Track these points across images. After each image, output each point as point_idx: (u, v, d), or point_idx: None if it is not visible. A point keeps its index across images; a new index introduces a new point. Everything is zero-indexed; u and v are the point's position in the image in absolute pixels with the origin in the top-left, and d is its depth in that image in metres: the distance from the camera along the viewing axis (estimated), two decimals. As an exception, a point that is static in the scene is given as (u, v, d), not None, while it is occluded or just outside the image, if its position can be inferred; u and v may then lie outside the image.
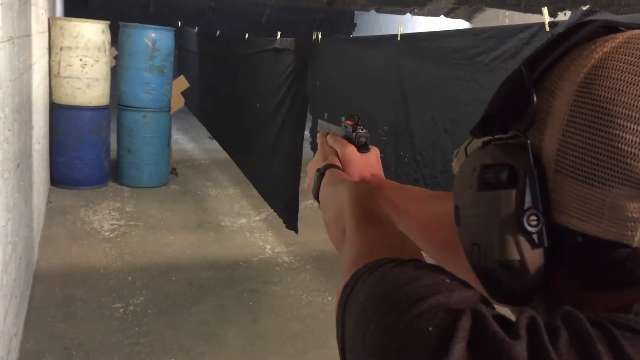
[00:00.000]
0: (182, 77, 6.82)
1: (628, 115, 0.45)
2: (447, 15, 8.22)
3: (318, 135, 1.14)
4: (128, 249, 4.61)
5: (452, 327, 0.42)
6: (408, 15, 8.13)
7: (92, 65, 5.77)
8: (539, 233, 0.48)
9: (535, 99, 0.50)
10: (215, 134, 7.47)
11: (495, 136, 0.53)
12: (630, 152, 0.44)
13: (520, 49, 2.28)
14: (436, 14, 7.87)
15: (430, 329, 0.43)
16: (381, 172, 1.05)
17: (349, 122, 1.06)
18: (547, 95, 0.50)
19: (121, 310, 3.66)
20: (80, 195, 5.76)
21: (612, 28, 0.51)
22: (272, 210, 5.30)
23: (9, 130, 2.77)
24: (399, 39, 3.03)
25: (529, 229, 0.48)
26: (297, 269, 4.53)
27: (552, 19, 2.06)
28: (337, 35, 10.06)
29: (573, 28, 0.52)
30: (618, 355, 0.41)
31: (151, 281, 4.09)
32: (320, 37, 4.07)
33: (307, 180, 1.07)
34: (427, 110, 2.81)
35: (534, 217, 0.48)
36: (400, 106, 2.97)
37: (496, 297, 0.53)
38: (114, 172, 6.29)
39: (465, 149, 0.58)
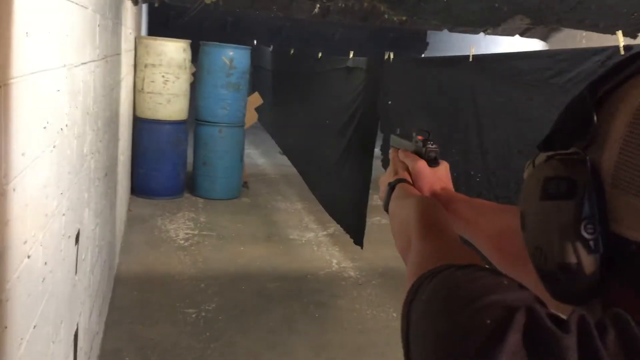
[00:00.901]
0: (256, 94, 7.05)
1: None
2: (522, 34, 8.10)
3: (390, 150, 1.20)
4: (201, 257, 4.80)
5: (508, 320, 0.47)
6: (482, 34, 8.07)
7: (174, 82, 6.07)
8: (595, 240, 0.53)
9: (595, 119, 0.55)
10: (286, 150, 7.65)
11: (558, 151, 0.58)
12: None
13: (594, 72, 2.27)
14: (511, 33, 7.77)
15: (488, 321, 0.48)
16: (451, 186, 1.09)
17: (420, 137, 1.10)
18: (607, 117, 0.55)
19: (194, 315, 3.83)
20: (158, 204, 6.04)
21: None
22: (338, 226, 5.39)
23: (101, 141, 2.99)
24: (470, 59, 3.06)
25: (586, 236, 0.53)
26: (363, 284, 4.58)
27: (627, 44, 2.05)
28: (409, 54, 10.09)
29: (635, 55, 0.57)
30: None
31: (222, 289, 4.25)
32: (392, 56, 4.14)
33: (379, 193, 1.13)
34: (500, 131, 2.82)
35: (590, 226, 0.53)
36: (473, 126, 2.99)
37: (556, 296, 0.58)
38: (190, 184, 6.57)
39: (533, 162, 0.63)
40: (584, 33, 5.84)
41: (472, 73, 3.07)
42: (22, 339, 1.35)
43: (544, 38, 8.58)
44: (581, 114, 0.57)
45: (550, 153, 0.59)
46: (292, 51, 7.07)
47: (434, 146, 1.08)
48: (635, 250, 0.51)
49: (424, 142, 1.08)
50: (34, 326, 1.48)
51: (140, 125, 6.08)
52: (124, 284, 4.15)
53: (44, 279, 1.57)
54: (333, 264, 4.94)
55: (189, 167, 6.58)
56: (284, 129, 7.60)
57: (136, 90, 6.04)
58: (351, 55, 4.89)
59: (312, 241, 5.50)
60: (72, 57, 1.91)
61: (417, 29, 11.42)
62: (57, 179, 1.70)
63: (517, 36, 8.25)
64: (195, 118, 6.52)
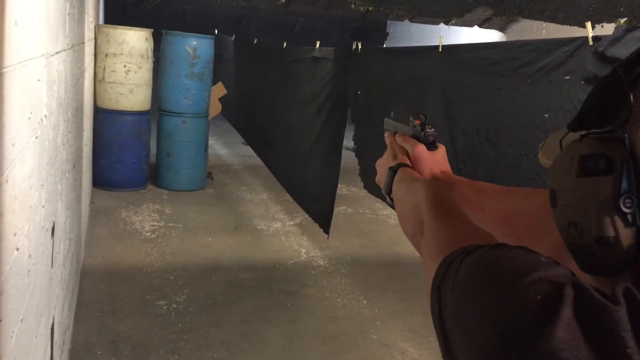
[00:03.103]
0: (220, 84, 6.99)
1: None
2: (481, 25, 8.24)
3: (386, 134, 1.19)
4: (169, 249, 4.76)
5: (558, 295, 0.49)
6: (442, 25, 8.16)
7: (136, 72, 5.97)
8: (633, 214, 0.55)
9: (632, 98, 0.57)
10: (250, 140, 7.62)
11: (593, 130, 0.60)
12: None
13: (562, 62, 2.36)
14: (470, 24, 7.91)
15: (538, 297, 0.50)
16: (449, 169, 1.10)
17: (417, 122, 1.10)
18: None
19: (165, 307, 3.80)
20: (121, 196, 5.95)
21: None
22: (305, 216, 5.41)
23: (70, 132, 2.93)
24: (440, 50, 3.12)
25: (624, 209, 0.55)
26: (332, 273, 4.63)
27: (595, 34, 2.13)
28: (369, 44, 10.15)
29: None
30: None
31: (192, 280, 4.23)
32: (360, 46, 4.18)
33: (377, 177, 1.14)
34: (469, 120, 2.89)
35: (629, 200, 0.55)
36: (443, 116, 3.06)
37: (588, 269, 0.60)
38: (153, 175, 6.48)
39: (560, 141, 0.65)
40: (544, 24, 6.00)
41: (441, 63, 3.13)
42: (12, 332, 1.33)
43: (502, 29, 8.77)
44: (615, 94, 0.58)
45: (584, 132, 0.61)
46: (255, 41, 7.03)
47: (431, 130, 1.08)
48: None
49: (422, 125, 1.09)
50: (21, 319, 1.46)
51: (102, 115, 5.96)
52: (91, 278, 4.08)
53: (29, 271, 1.55)
54: (302, 254, 4.97)
55: (152, 158, 6.48)
56: (248, 119, 7.57)
57: (97, 80, 5.91)
58: (317, 45, 4.90)
59: (279, 231, 5.51)
60: (49, 46, 1.87)
61: (377, 20, 11.51)
62: (38, 170, 1.67)
63: (476, 27, 8.41)
64: (159, 108, 6.43)
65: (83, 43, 3.98)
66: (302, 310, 3.97)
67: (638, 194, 0.55)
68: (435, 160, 1.08)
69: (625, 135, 0.57)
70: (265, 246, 5.09)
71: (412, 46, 4.42)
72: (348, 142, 4.43)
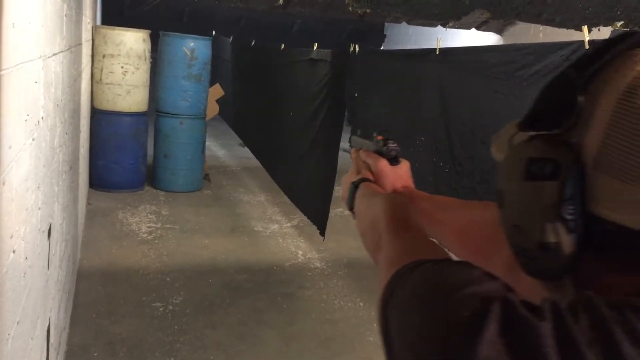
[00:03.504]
0: (217, 85, 6.99)
1: None
2: (478, 28, 8.26)
3: (352, 150, 1.22)
4: (165, 251, 4.76)
5: (486, 311, 0.49)
6: (439, 27, 8.18)
7: (133, 73, 5.96)
8: (575, 221, 0.54)
9: (580, 101, 0.55)
10: (247, 142, 7.62)
11: (541, 132, 0.59)
12: None
13: (559, 65, 2.36)
14: (467, 27, 7.92)
15: (467, 313, 0.49)
16: (411, 184, 1.11)
17: (380, 137, 1.12)
18: (591, 99, 0.55)
19: (161, 309, 3.80)
20: (118, 198, 5.94)
21: None
22: (302, 217, 5.41)
23: (67, 133, 2.93)
24: (437, 52, 3.13)
25: (567, 217, 0.54)
26: (329, 275, 4.63)
27: (592, 39, 2.14)
28: (368, 46, 10.16)
29: (619, 38, 0.57)
30: (631, 335, 0.46)
31: (189, 282, 4.22)
32: (357, 48, 4.18)
33: (341, 192, 1.15)
34: (465, 123, 2.90)
35: (571, 207, 0.54)
36: (440, 118, 3.06)
37: (530, 272, 0.60)
38: (150, 177, 6.47)
39: (509, 140, 0.63)
40: (541, 27, 6.02)
41: (439, 66, 3.14)
42: (8, 334, 1.33)
43: (499, 32, 8.78)
44: (565, 95, 0.57)
45: (533, 133, 0.60)
46: (253, 42, 7.03)
47: (394, 145, 1.10)
48: (612, 230, 0.53)
49: (385, 141, 1.11)
50: (17, 322, 1.46)
51: (99, 116, 5.95)
52: (87, 279, 4.07)
53: (25, 273, 1.54)
54: (299, 256, 4.97)
55: (150, 159, 6.48)
56: (245, 121, 7.57)
57: (94, 81, 5.90)
58: (315, 47, 4.90)
59: (277, 233, 5.51)
60: (46, 48, 1.87)
61: (374, 22, 11.52)
62: (34, 172, 1.67)
63: (473, 29, 8.42)
64: (156, 109, 6.42)
65: (80, 44, 3.98)
66: (298, 312, 3.97)
67: (582, 201, 0.54)
68: (398, 175, 1.10)
69: (573, 139, 0.56)
70: (262, 248, 5.09)
71: (410, 49, 4.44)
72: (345, 144, 4.43)
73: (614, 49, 0.56)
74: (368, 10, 4.83)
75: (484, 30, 8.51)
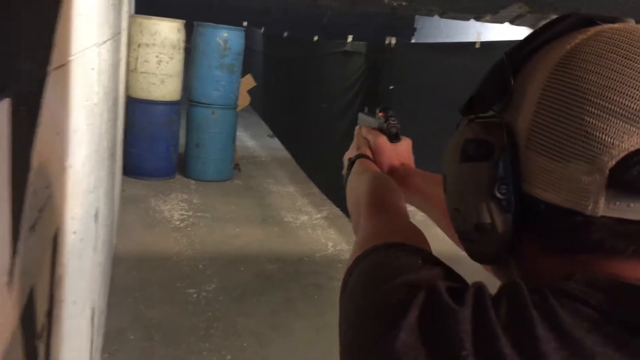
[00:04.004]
0: (249, 76, 7.03)
1: (587, 101, 0.51)
2: (512, 22, 8.15)
3: (356, 127, 1.19)
4: (197, 239, 4.82)
5: (411, 299, 0.50)
6: (472, 21, 8.10)
7: (167, 62, 6.03)
8: (507, 200, 0.55)
9: (512, 82, 0.57)
10: (278, 132, 7.66)
11: (478, 115, 0.60)
12: (585, 133, 0.50)
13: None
14: (501, 20, 7.84)
15: (394, 301, 0.51)
16: (411, 161, 1.10)
17: (381, 114, 1.11)
18: (523, 80, 0.56)
19: (195, 295, 3.85)
20: (150, 185, 6.02)
21: (590, 21, 0.56)
22: (332, 209, 5.44)
23: (110, 121, 2.98)
24: (477, 46, 3.11)
25: (499, 196, 0.55)
26: (359, 267, 4.64)
27: None
28: (399, 39, 10.12)
29: (553, 21, 0.58)
30: (549, 319, 0.47)
31: (221, 270, 4.28)
32: (393, 41, 4.18)
33: (343, 170, 1.12)
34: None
35: (504, 187, 0.55)
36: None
37: (473, 256, 0.61)
38: (181, 165, 6.55)
39: (457, 126, 0.64)
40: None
41: (478, 60, 3.12)
42: (68, 313, 1.38)
43: (532, 26, 8.67)
44: (499, 78, 0.58)
45: (471, 117, 0.61)
46: (285, 34, 7.05)
47: (394, 122, 1.09)
48: (544, 209, 0.53)
49: (386, 118, 1.10)
50: (74, 302, 1.50)
51: (133, 105, 6.03)
52: (123, 264, 4.15)
53: (80, 255, 1.59)
54: (329, 247, 4.99)
55: (181, 148, 6.55)
56: (276, 111, 7.61)
57: (129, 69, 5.98)
58: (349, 40, 4.91)
59: (306, 224, 5.54)
60: (99, 36, 1.91)
61: (405, 15, 11.45)
62: (89, 157, 1.71)
63: (506, 23, 8.33)
64: (188, 99, 6.48)
65: (120, 33, 4.04)
66: (329, 303, 3.99)
67: (514, 180, 0.55)
68: (396, 152, 1.08)
69: (504, 120, 0.57)
70: (292, 238, 5.13)
71: (448, 42, 4.41)
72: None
73: (547, 33, 0.57)
74: (404, 3, 4.81)
75: (517, 24, 8.42)
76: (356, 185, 0.96)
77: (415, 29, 12.89)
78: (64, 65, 1.09)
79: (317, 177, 5.60)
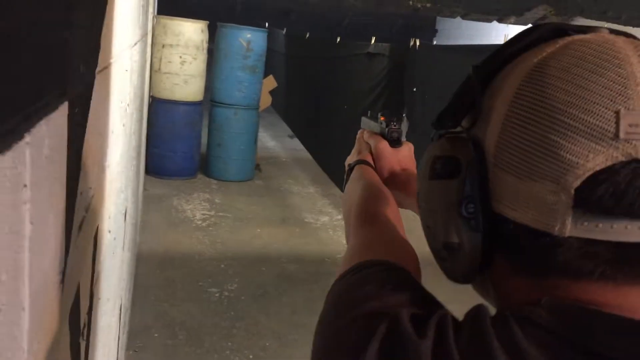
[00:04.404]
0: (271, 77, 7.06)
1: (552, 119, 0.48)
2: (534, 24, 8.07)
3: (359, 131, 1.17)
4: (219, 238, 4.85)
5: (372, 331, 0.49)
6: (494, 22, 8.05)
7: (191, 63, 6.08)
8: (475, 219, 0.53)
9: (480, 98, 0.55)
10: (299, 133, 7.68)
11: (448, 130, 0.59)
12: (550, 152, 0.48)
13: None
14: (525, 22, 7.77)
15: (357, 333, 0.50)
16: (413, 167, 1.07)
17: (382, 118, 1.09)
18: (492, 95, 0.54)
19: (217, 294, 3.88)
20: (172, 185, 6.08)
21: (561, 32, 0.54)
22: (354, 210, 5.42)
23: (138, 121, 3.02)
24: (504, 49, 3.09)
25: (466, 215, 0.53)
26: (380, 269, 4.64)
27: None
28: (426, 42, 10.09)
29: (524, 33, 0.56)
30: (511, 349, 0.46)
31: (243, 270, 4.30)
32: (417, 43, 4.17)
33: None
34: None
35: (471, 205, 0.53)
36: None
37: (447, 275, 0.60)
38: (203, 165, 6.60)
39: (432, 139, 0.63)
40: (606, 24, 5.86)
41: (505, 62, 3.10)
42: (103, 310, 1.40)
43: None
44: (468, 93, 0.56)
45: (441, 132, 0.60)
46: (307, 35, 7.07)
47: (396, 126, 1.07)
48: (513, 229, 0.51)
49: (387, 122, 1.07)
50: (107, 299, 1.52)
51: (157, 105, 6.10)
52: (146, 263, 4.19)
53: (113, 253, 1.61)
54: (350, 248, 4.99)
55: (203, 148, 6.60)
56: (297, 112, 7.63)
57: (153, 70, 6.03)
58: (373, 41, 4.91)
59: (327, 225, 5.55)
60: (131, 37, 1.94)
61: (427, 16, 11.40)
62: (122, 157, 1.74)
63: (530, 25, 8.25)
64: (211, 99, 6.53)
65: (146, 34, 4.08)
66: (350, 304, 4.00)
67: (483, 198, 0.53)
68: (397, 158, 1.06)
69: (471, 136, 0.55)
70: (313, 239, 5.14)
71: (473, 44, 4.39)
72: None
73: (518, 44, 0.55)
74: (428, 5, 4.80)
75: (541, 26, 8.34)
76: (351, 193, 0.94)
77: (436, 31, 12.84)
78: (107, 68, 1.11)
79: (338, 178, 5.60)
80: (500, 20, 7.53)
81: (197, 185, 6.25)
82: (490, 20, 7.86)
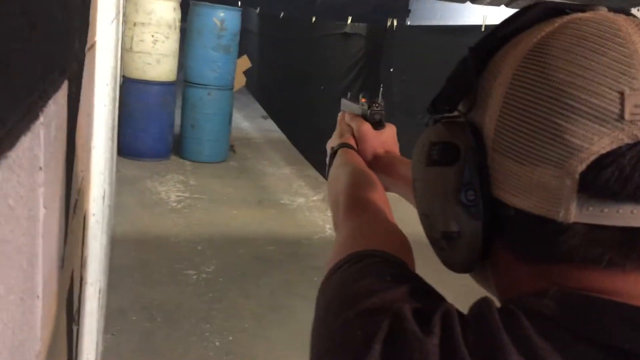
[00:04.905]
0: (245, 57, 6.97)
1: (553, 101, 0.47)
2: (507, 5, 8.14)
3: (339, 114, 1.14)
4: (195, 220, 4.81)
5: (375, 329, 0.47)
6: (468, 3, 8.06)
7: (163, 42, 5.96)
8: (476, 207, 0.51)
9: (476, 80, 0.53)
10: (273, 114, 7.62)
11: (444, 115, 0.56)
12: (552, 135, 0.47)
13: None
14: (497, 3, 7.81)
15: (358, 333, 0.48)
16: (396, 149, 1.06)
17: (363, 100, 1.06)
18: (489, 77, 0.52)
19: (194, 276, 3.86)
20: (145, 166, 5.99)
21: (558, 11, 0.52)
22: (329, 191, 5.42)
23: (113, 101, 2.95)
24: (483, 29, 3.10)
25: (466, 202, 0.51)
26: (356, 249, 4.66)
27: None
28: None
29: (519, 12, 0.53)
30: (522, 344, 0.44)
31: (219, 252, 4.28)
32: (395, 23, 4.15)
33: (327, 158, 1.07)
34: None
35: (471, 192, 0.51)
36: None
37: (446, 264, 0.58)
38: (177, 146, 6.51)
39: (426, 124, 0.60)
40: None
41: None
42: (86, 296, 1.37)
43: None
44: (464, 76, 0.54)
45: (437, 116, 0.57)
46: (282, 14, 6.99)
47: (378, 108, 1.04)
48: (515, 216, 0.50)
49: (369, 104, 1.05)
50: (91, 283, 1.50)
51: (128, 85, 5.98)
52: (121, 245, 4.13)
53: (95, 236, 1.58)
54: (327, 229, 5.00)
55: (176, 129, 6.51)
56: (271, 93, 7.56)
57: (124, 49, 5.90)
58: (349, 21, 4.87)
59: (303, 206, 5.54)
60: (109, 14, 1.88)
61: (400, -4, 11.35)
62: (104, 136, 1.69)
63: (502, 6, 8.30)
64: (184, 79, 6.43)
65: (119, 12, 3.98)
66: (328, 284, 4.02)
67: (483, 185, 0.51)
68: (380, 140, 1.04)
69: (468, 121, 0.53)
70: (289, 220, 5.13)
71: (452, 25, 4.39)
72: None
73: (514, 24, 0.53)
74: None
75: (513, 7, 8.39)
76: (336, 179, 0.92)
77: (409, 11, 12.81)
78: (93, 46, 1.07)
79: (314, 159, 5.59)
80: (474, 1, 7.55)
81: (171, 167, 6.17)
82: (463, 1, 7.88)
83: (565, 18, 0.51)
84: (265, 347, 3.18)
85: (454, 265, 0.57)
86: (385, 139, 1.04)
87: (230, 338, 3.23)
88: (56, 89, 0.52)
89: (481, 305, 0.48)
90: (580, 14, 0.51)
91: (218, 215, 5.00)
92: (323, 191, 5.79)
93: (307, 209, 5.47)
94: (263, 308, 3.58)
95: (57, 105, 0.52)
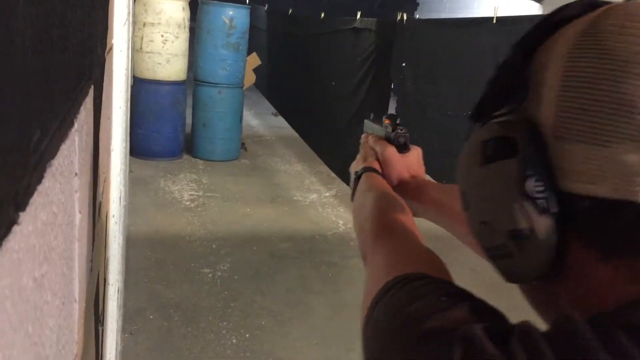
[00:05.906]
0: (254, 55, 6.98)
1: (620, 71, 0.45)
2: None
3: (363, 135, 1.12)
4: (209, 219, 4.83)
5: (445, 356, 0.43)
6: (477, -4, 8.01)
7: (173, 42, 5.98)
8: (545, 198, 0.47)
9: (525, 75, 0.51)
10: (282, 111, 7.63)
11: (492, 116, 0.54)
12: (624, 106, 0.44)
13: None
14: (507, -5, 7.77)
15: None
16: (422, 172, 1.03)
17: (387, 121, 1.04)
18: (539, 70, 0.51)
19: (210, 275, 3.88)
20: (158, 166, 6.02)
21: (596, 5, 0.52)
22: (341, 187, 5.45)
23: (127, 102, 2.97)
24: (494, 21, 3.08)
25: (534, 195, 0.47)
26: (370, 245, 4.66)
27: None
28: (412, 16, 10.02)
29: (561, 8, 0.53)
30: None
31: (234, 250, 4.29)
32: (405, 17, 4.14)
33: (351, 183, 1.04)
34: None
35: (538, 182, 0.47)
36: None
37: (511, 276, 0.52)
38: (188, 145, 6.54)
39: (469, 136, 0.58)
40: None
41: (496, 35, 3.09)
42: (109, 296, 1.39)
43: (539, 0, 8.59)
44: (510, 72, 0.53)
45: (484, 120, 0.55)
46: (290, 11, 6.99)
47: (402, 131, 1.02)
48: (589, 206, 0.46)
49: (393, 126, 1.03)
50: (111, 284, 1.51)
51: (139, 85, 6.01)
52: (136, 245, 4.16)
53: (115, 237, 1.59)
54: (340, 225, 5.01)
55: (188, 128, 6.54)
56: (281, 90, 7.56)
57: (134, 49, 5.93)
58: (358, 16, 4.86)
59: (316, 202, 5.55)
60: (122, 16, 1.89)
61: (408, -10, 11.32)
62: (120, 137, 1.71)
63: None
64: (194, 78, 6.45)
65: (129, 13, 4.00)
66: (344, 281, 4.02)
67: (549, 176, 0.48)
68: (406, 164, 1.01)
69: (523, 115, 0.51)
70: (303, 217, 5.14)
71: (463, 17, 4.37)
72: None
73: (556, 18, 0.53)
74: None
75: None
76: (362, 205, 0.89)
77: (417, 4, 12.77)
78: (110, 49, 1.08)
79: (326, 155, 5.60)
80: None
81: (183, 166, 6.20)
82: (472, -7, 7.82)
83: (607, 6, 0.50)
84: (282, 344, 3.20)
85: (524, 272, 0.51)
86: (410, 163, 1.02)
87: (247, 335, 3.25)
88: (85, 95, 0.52)
89: (567, 322, 0.43)
90: (618, 2, 0.51)
91: (232, 214, 5.02)
92: (335, 187, 5.79)
93: (320, 205, 5.47)
94: (279, 305, 3.59)
95: (86, 111, 0.53)
